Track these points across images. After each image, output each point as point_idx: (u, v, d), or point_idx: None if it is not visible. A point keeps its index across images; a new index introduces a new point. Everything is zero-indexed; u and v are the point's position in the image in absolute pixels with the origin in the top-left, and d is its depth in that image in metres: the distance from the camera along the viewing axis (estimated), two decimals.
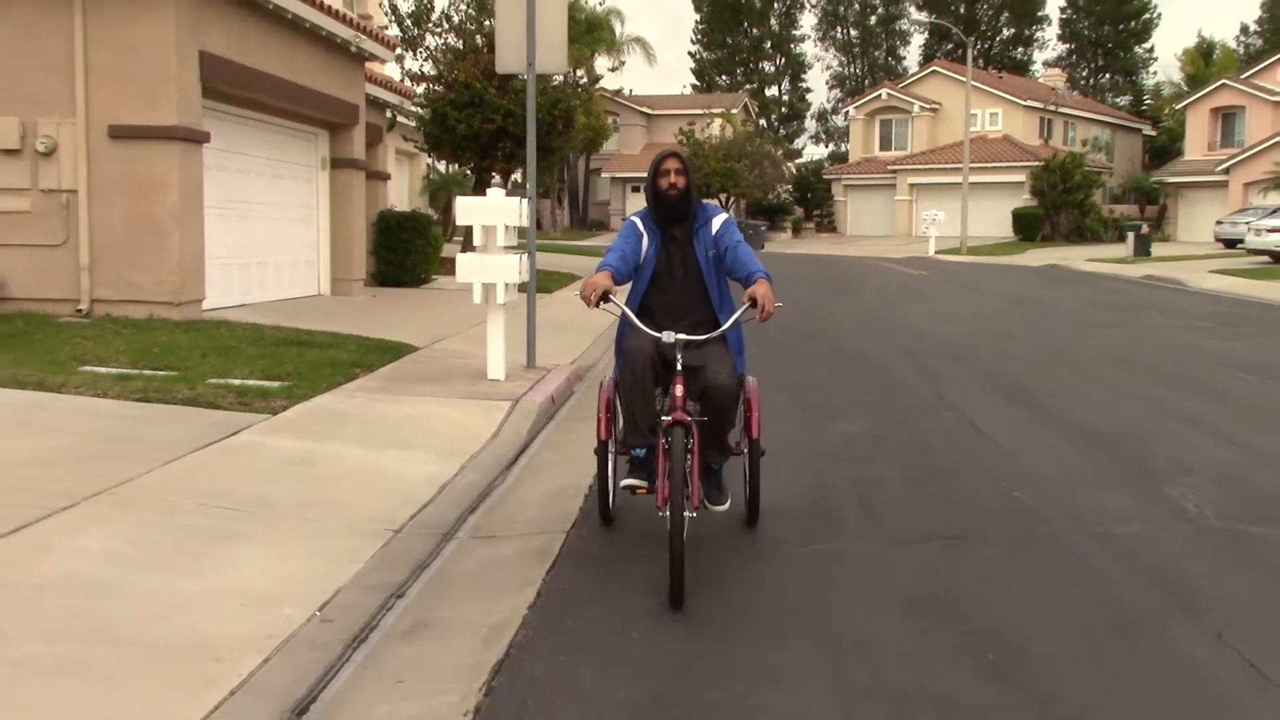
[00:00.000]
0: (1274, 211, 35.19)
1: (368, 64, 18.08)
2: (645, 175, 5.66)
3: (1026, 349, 13.57)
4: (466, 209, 9.76)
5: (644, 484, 5.31)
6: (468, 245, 25.67)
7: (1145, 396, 10.17)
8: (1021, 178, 51.46)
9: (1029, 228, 49.86)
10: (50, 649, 4.07)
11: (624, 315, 5.33)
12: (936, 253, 42.01)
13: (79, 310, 11.86)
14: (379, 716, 3.83)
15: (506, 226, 9.68)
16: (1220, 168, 47.92)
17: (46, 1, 11.68)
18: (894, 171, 56.10)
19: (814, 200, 63.13)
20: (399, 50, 22.84)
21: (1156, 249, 40.33)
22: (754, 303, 5.06)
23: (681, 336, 5.07)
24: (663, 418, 5.01)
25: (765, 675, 4.10)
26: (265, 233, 15.03)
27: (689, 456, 4.91)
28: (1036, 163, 50.77)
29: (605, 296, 5.10)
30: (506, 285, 9.76)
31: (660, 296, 5.54)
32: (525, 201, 9.96)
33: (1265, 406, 9.74)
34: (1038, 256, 39.45)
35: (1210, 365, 12.27)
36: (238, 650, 4.15)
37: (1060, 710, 3.78)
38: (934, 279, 27.98)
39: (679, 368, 5.04)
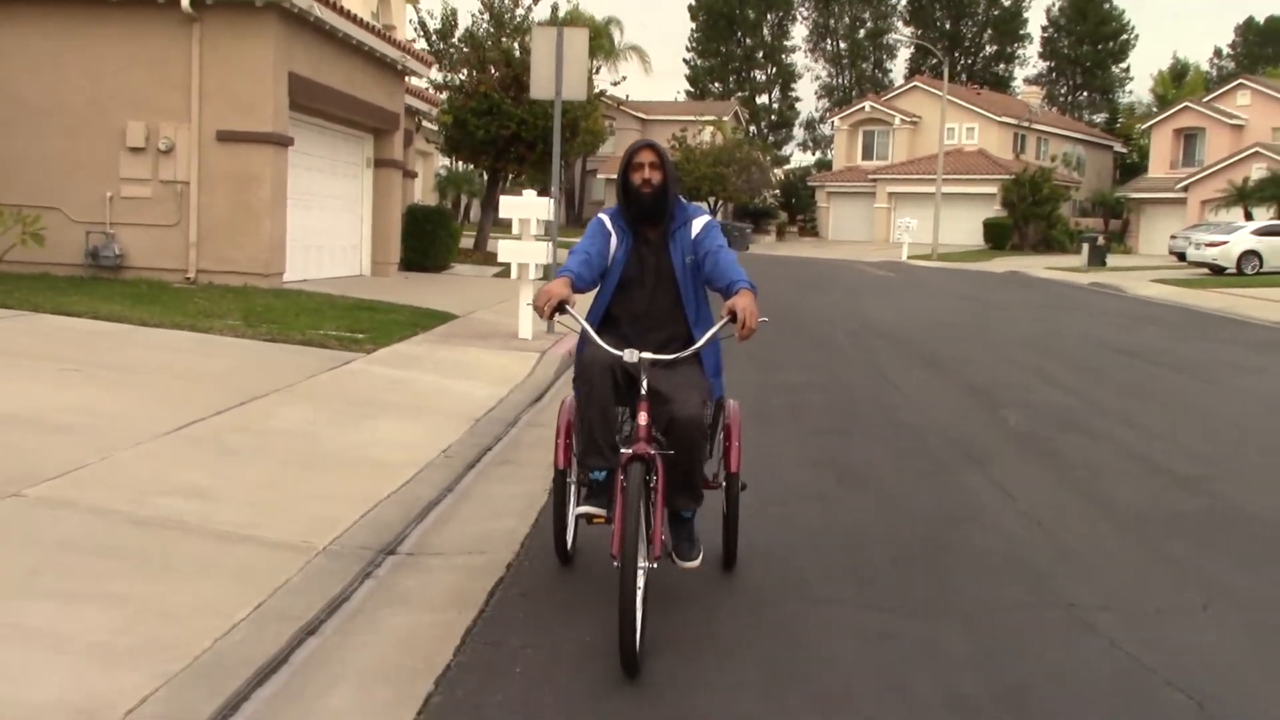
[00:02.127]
0: (1214, 227, 38.28)
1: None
2: None
3: (954, 333, 16.54)
4: (508, 205, 12.69)
5: (602, 512, 4.48)
6: (480, 238, 28.62)
7: (1029, 366, 13.12)
8: (994, 190, 54.55)
9: (999, 237, 52.91)
10: (290, 467, 6.95)
11: (585, 328, 4.59)
12: (909, 258, 44.98)
13: (187, 278, 14.75)
14: (495, 495, 6.72)
15: (537, 220, 12.61)
16: (1180, 185, 51.09)
17: (171, 29, 14.58)
18: (874, 180, 59.19)
19: (798, 205, 66.31)
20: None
21: (1114, 260, 43.38)
22: (734, 317, 4.27)
23: (647, 355, 4.29)
24: (622, 450, 4.24)
25: None
26: (323, 221, 17.92)
27: (651, 497, 4.21)
28: (1008, 176, 53.86)
29: (561, 307, 4.36)
30: (536, 265, 12.67)
31: (628, 306, 4.80)
32: (551, 201, 12.90)
33: (1116, 376, 12.70)
34: (1002, 264, 42.45)
35: (1097, 349, 15.24)
36: (402, 468, 7.01)
37: (883, 500, 6.71)
38: (898, 280, 30.98)
39: (643, 391, 4.29)
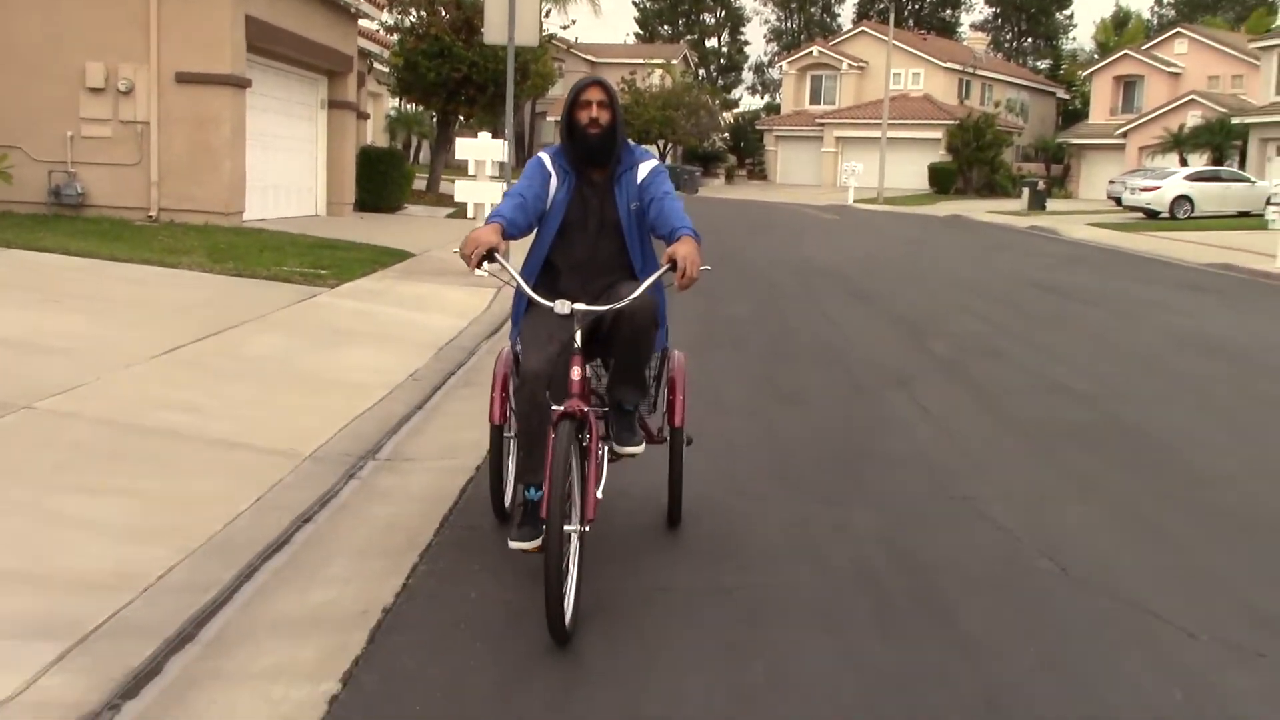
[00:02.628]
0: (1150, 173, 39.36)
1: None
2: None
3: (890, 272, 17.31)
4: (464, 147, 13.22)
5: (535, 543, 4.03)
6: (432, 179, 28.97)
7: (957, 302, 13.90)
8: (939, 135, 55.39)
9: (944, 182, 53.83)
10: (271, 387, 7.55)
11: (515, 279, 4.27)
12: (855, 201, 45.76)
13: (150, 216, 15.14)
14: (460, 412, 7.35)
15: (492, 161, 13.16)
16: (1119, 131, 52.19)
17: None
18: (822, 125, 59.81)
19: (747, 149, 66.84)
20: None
21: (1054, 204, 44.45)
22: (674, 265, 4.07)
23: (579, 306, 4.05)
24: (554, 407, 4.01)
25: None
26: (279, 161, 18.29)
27: (584, 459, 4.02)
28: (953, 121, 54.69)
29: (490, 255, 4.06)
30: (491, 205, 13.23)
31: (568, 252, 4.52)
32: (505, 143, 13.44)
33: (1036, 310, 13.52)
34: (945, 208, 43.34)
35: (1023, 286, 16.07)
36: (374, 389, 7.62)
37: (812, 415, 7.42)
38: (843, 223, 31.76)
39: (577, 343, 4.05)
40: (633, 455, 4.62)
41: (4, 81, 14.88)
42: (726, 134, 65.50)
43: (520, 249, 4.56)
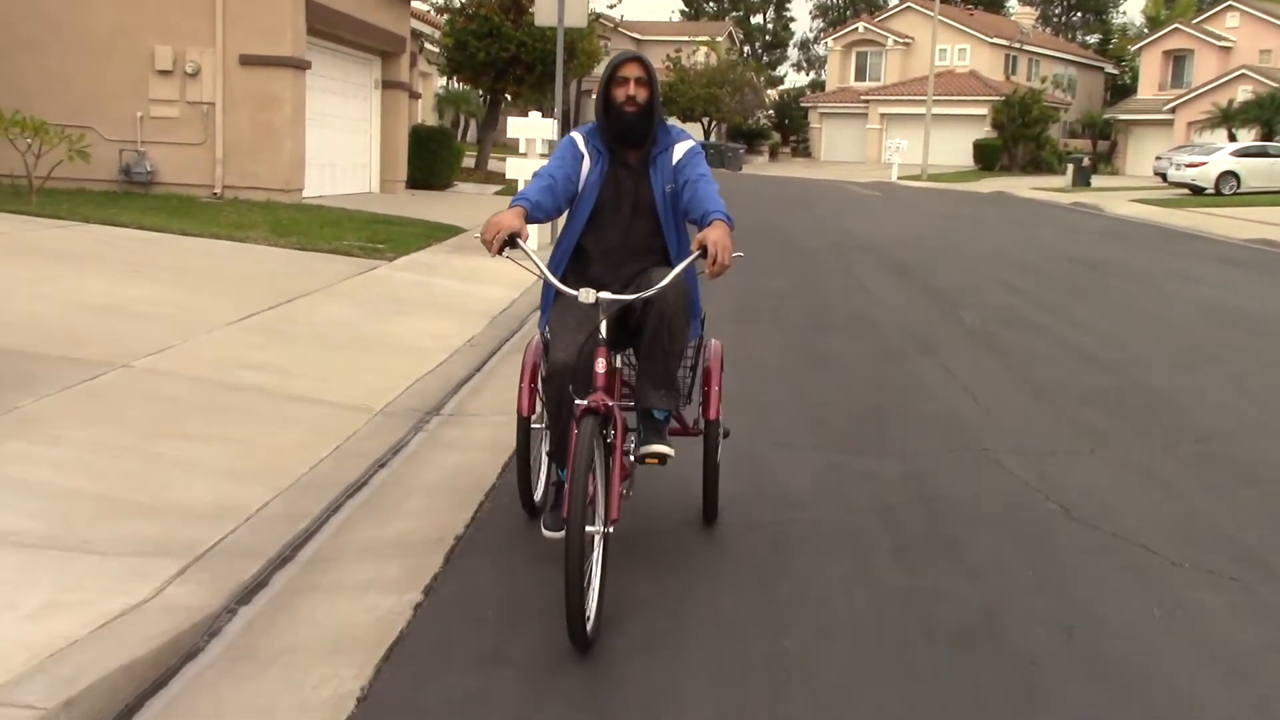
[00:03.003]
0: (1197, 148, 39.23)
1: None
2: None
3: (929, 247, 17.68)
4: (516, 126, 13.76)
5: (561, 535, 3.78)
6: (480, 157, 29.55)
7: (992, 275, 14.27)
8: (984, 111, 55.26)
9: (989, 158, 53.74)
10: (340, 351, 8.14)
11: (539, 266, 4.04)
12: (899, 178, 45.86)
13: (214, 194, 15.82)
14: (514, 374, 7.89)
15: (542, 139, 13.68)
16: (1167, 107, 51.84)
17: None
18: (866, 101, 59.83)
19: (791, 126, 66.94)
20: None
21: (1100, 181, 44.33)
22: (704, 251, 3.85)
23: (605, 295, 3.85)
24: (577, 401, 3.83)
25: None
26: (335, 140, 18.91)
27: (608, 456, 3.86)
28: (999, 97, 54.53)
29: (512, 240, 3.87)
30: None
31: (600, 238, 4.33)
32: (555, 122, 13.95)
33: (1070, 283, 13.88)
34: (989, 184, 43.37)
35: (1059, 261, 16.39)
36: (435, 353, 8.19)
37: (844, 378, 7.90)
38: (884, 199, 32.03)
39: (602, 334, 3.87)
40: (658, 457, 4.27)
41: (78, 65, 15.57)
42: (771, 111, 65.61)
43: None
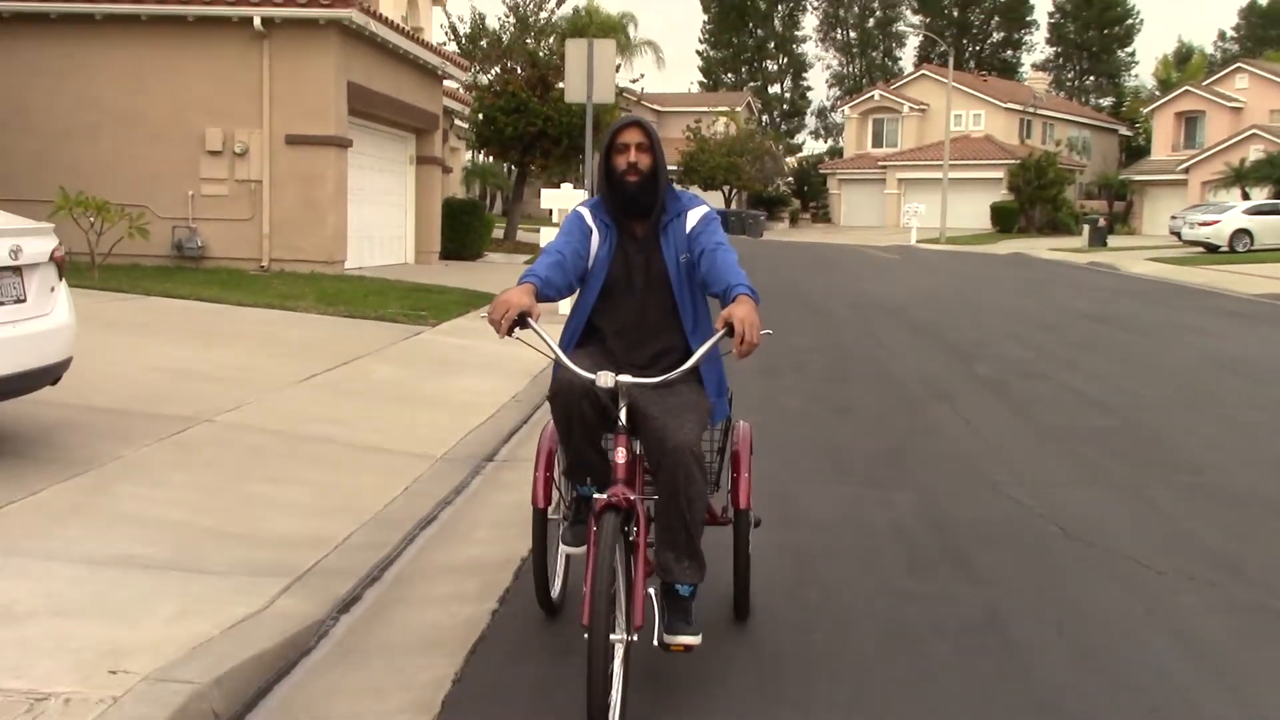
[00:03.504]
0: (1210, 207, 39.86)
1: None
2: None
3: (945, 306, 18.31)
4: (549, 197, 14.56)
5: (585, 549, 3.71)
6: (509, 228, 30.42)
7: (1005, 331, 14.88)
8: (1000, 174, 56.16)
9: (1006, 220, 54.50)
10: (398, 406, 8.81)
11: (551, 347, 3.78)
12: (917, 242, 46.58)
13: (261, 266, 16.64)
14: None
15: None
16: (1181, 167, 52.60)
17: (244, 45, 16.46)
18: (884, 167, 60.86)
19: (810, 193, 68.04)
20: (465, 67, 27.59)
21: (1117, 241, 44.98)
22: (730, 329, 3.56)
23: (624, 379, 3.60)
24: (595, 496, 3.60)
25: None
26: (373, 214, 19.78)
27: (630, 555, 3.60)
28: (1014, 161, 55.43)
29: (522, 320, 3.67)
30: None
31: (612, 315, 4.09)
32: (585, 194, 14.74)
33: (1079, 336, 14.47)
34: (1007, 246, 44.06)
35: (1071, 317, 16.99)
36: (484, 408, 8.85)
37: (863, 423, 8.50)
38: (903, 262, 32.72)
39: (621, 421, 3.63)
40: (685, 648, 3.83)
41: (134, 148, 16.50)
42: (790, 178, 66.77)
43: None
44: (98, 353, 9.19)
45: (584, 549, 3.82)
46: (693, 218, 4.08)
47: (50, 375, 6.26)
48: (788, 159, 65.94)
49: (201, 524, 5.45)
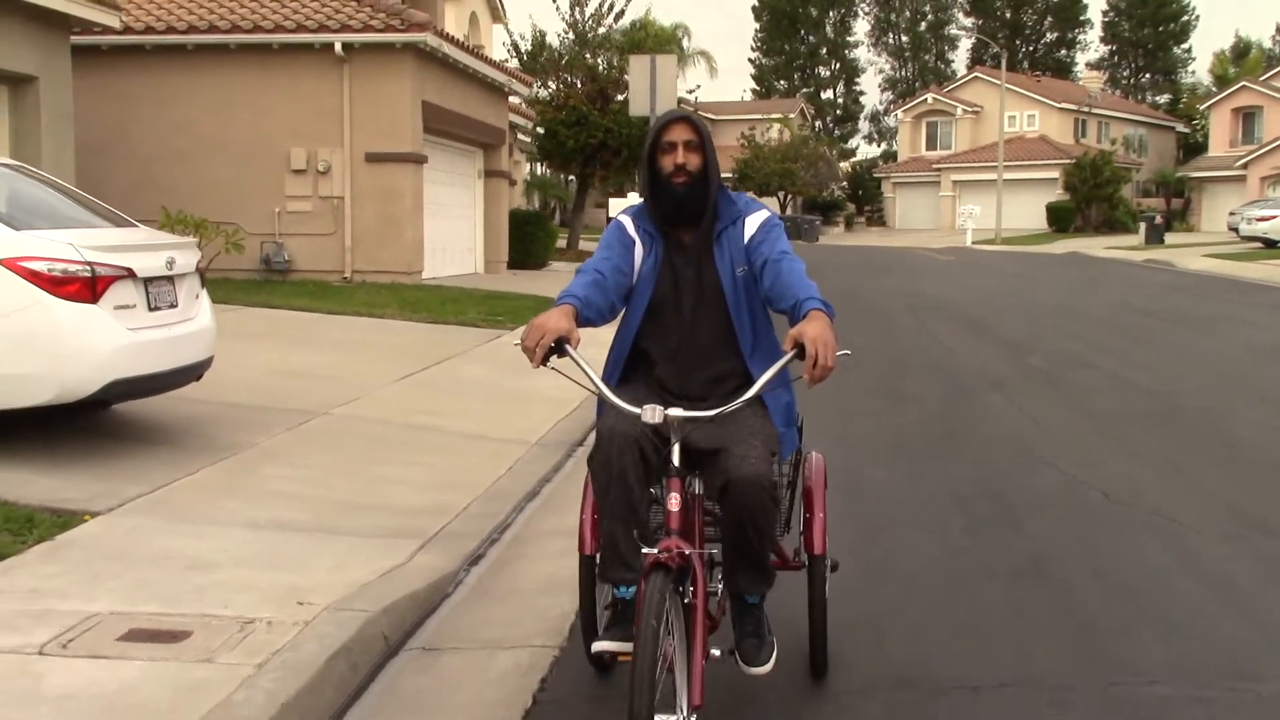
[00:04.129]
0: (1268, 202, 39.83)
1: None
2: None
3: (1000, 304, 18.83)
4: (616, 206, 15.31)
5: (628, 648, 3.04)
6: (571, 238, 31.28)
7: (1058, 326, 15.39)
8: (1056, 174, 56.22)
9: (1062, 220, 54.56)
10: (490, 400, 9.58)
11: (592, 380, 3.27)
12: (973, 243, 46.90)
13: (344, 278, 17.56)
14: None
15: None
16: (1239, 163, 52.38)
17: (325, 69, 17.42)
18: (938, 170, 61.10)
19: (865, 196, 68.45)
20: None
21: (1174, 238, 44.98)
22: (801, 351, 3.08)
23: (676, 413, 3.12)
24: (644, 551, 3.09)
25: None
26: (446, 226, 20.67)
27: (687, 620, 3.08)
28: (1069, 160, 55.49)
29: (559, 347, 3.22)
30: None
31: (661, 337, 3.64)
32: None
33: (1130, 329, 14.97)
34: (1063, 246, 44.24)
35: (1124, 311, 17.46)
36: (568, 402, 9.55)
37: (922, 412, 9.13)
38: (958, 263, 33.16)
39: (674, 463, 3.16)
40: (760, 674, 3.52)
41: (223, 169, 17.49)
42: (845, 183, 67.25)
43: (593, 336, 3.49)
44: (220, 357, 10.06)
45: (623, 644, 3.23)
46: (751, 224, 3.60)
47: (196, 372, 7.10)
48: (841, 164, 66.39)
49: (338, 498, 6.24)
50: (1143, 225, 43.11)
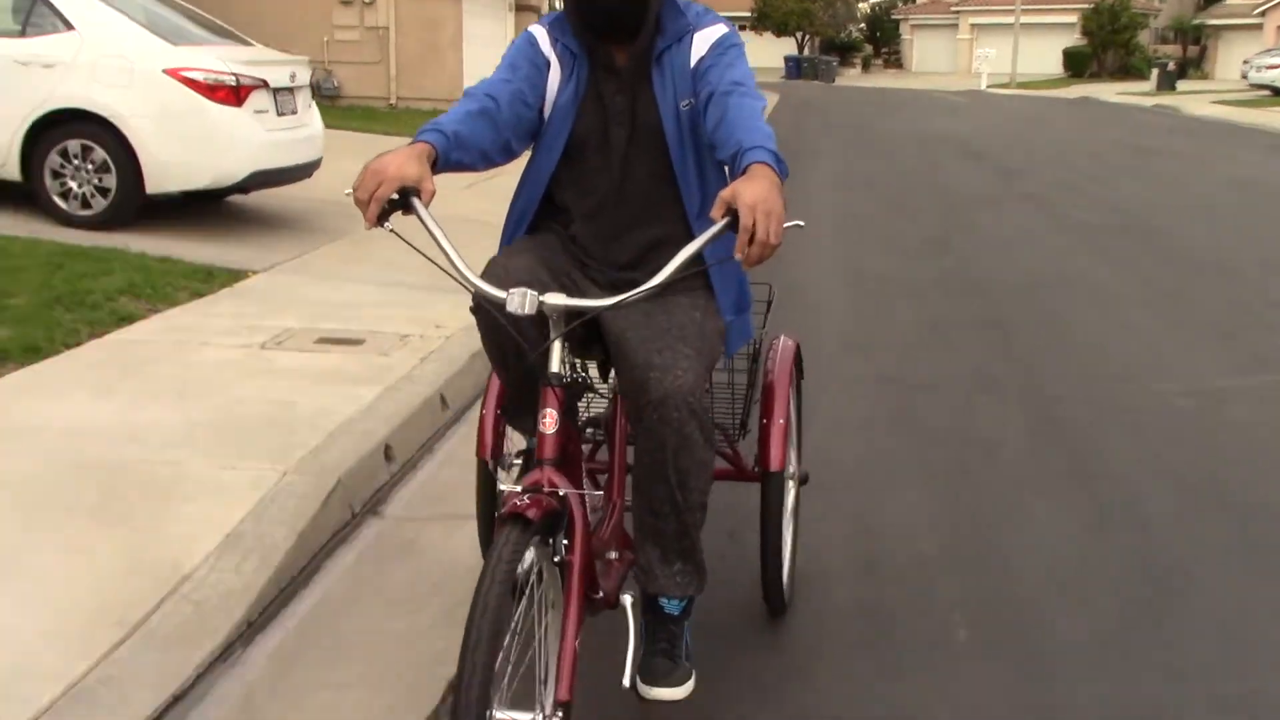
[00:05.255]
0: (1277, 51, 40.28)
1: None
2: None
3: (1002, 139, 20.04)
4: None
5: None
6: None
7: (1054, 158, 16.66)
8: (1074, 19, 56.19)
9: (1078, 65, 54.84)
10: None
11: (442, 249, 2.30)
12: (988, 87, 47.41)
13: (390, 104, 18.80)
14: None
15: None
16: (1257, 10, 52.33)
17: None
18: (957, 12, 61.03)
19: (883, 39, 68.40)
20: None
21: (1187, 85, 45.42)
22: (734, 219, 2.09)
23: (555, 300, 2.22)
24: (501, 488, 2.59)
25: None
26: (480, 54, 21.68)
27: (559, 564, 2.25)
28: (1088, 5, 55.39)
29: (404, 201, 2.30)
30: None
31: (581, 190, 2.70)
32: None
33: (1119, 163, 16.29)
34: (1076, 90, 44.75)
35: (1118, 148, 18.68)
36: None
37: (918, 221, 10.55)
38: (971, 105, 34.03)
39: (553, 369, 2.28)
40: (666, 699, 2.58)
41: (277, 2, 18.58)
42: (863, 24, 67.11)
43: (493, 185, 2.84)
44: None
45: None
46: (701, 43, 2.62)
47: (311, 169, 8.53)
48: (860, 4, 66.15)
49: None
50: (1155, 71, 43.54)
